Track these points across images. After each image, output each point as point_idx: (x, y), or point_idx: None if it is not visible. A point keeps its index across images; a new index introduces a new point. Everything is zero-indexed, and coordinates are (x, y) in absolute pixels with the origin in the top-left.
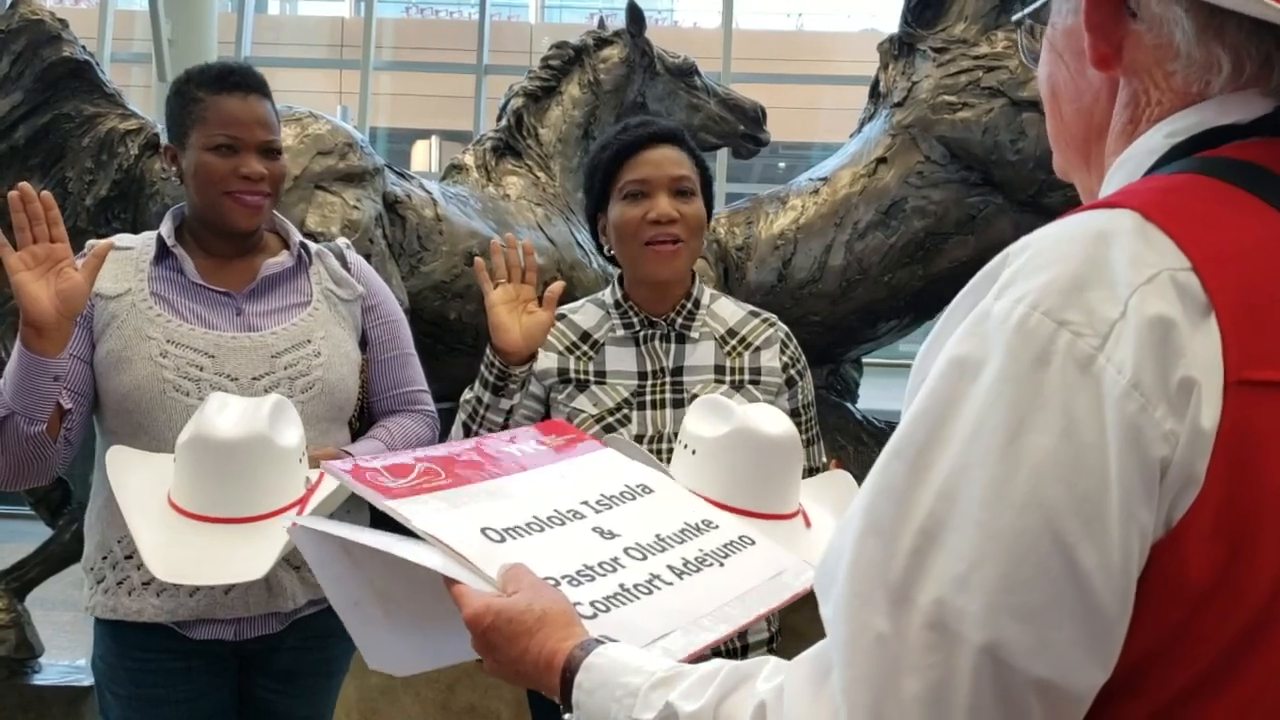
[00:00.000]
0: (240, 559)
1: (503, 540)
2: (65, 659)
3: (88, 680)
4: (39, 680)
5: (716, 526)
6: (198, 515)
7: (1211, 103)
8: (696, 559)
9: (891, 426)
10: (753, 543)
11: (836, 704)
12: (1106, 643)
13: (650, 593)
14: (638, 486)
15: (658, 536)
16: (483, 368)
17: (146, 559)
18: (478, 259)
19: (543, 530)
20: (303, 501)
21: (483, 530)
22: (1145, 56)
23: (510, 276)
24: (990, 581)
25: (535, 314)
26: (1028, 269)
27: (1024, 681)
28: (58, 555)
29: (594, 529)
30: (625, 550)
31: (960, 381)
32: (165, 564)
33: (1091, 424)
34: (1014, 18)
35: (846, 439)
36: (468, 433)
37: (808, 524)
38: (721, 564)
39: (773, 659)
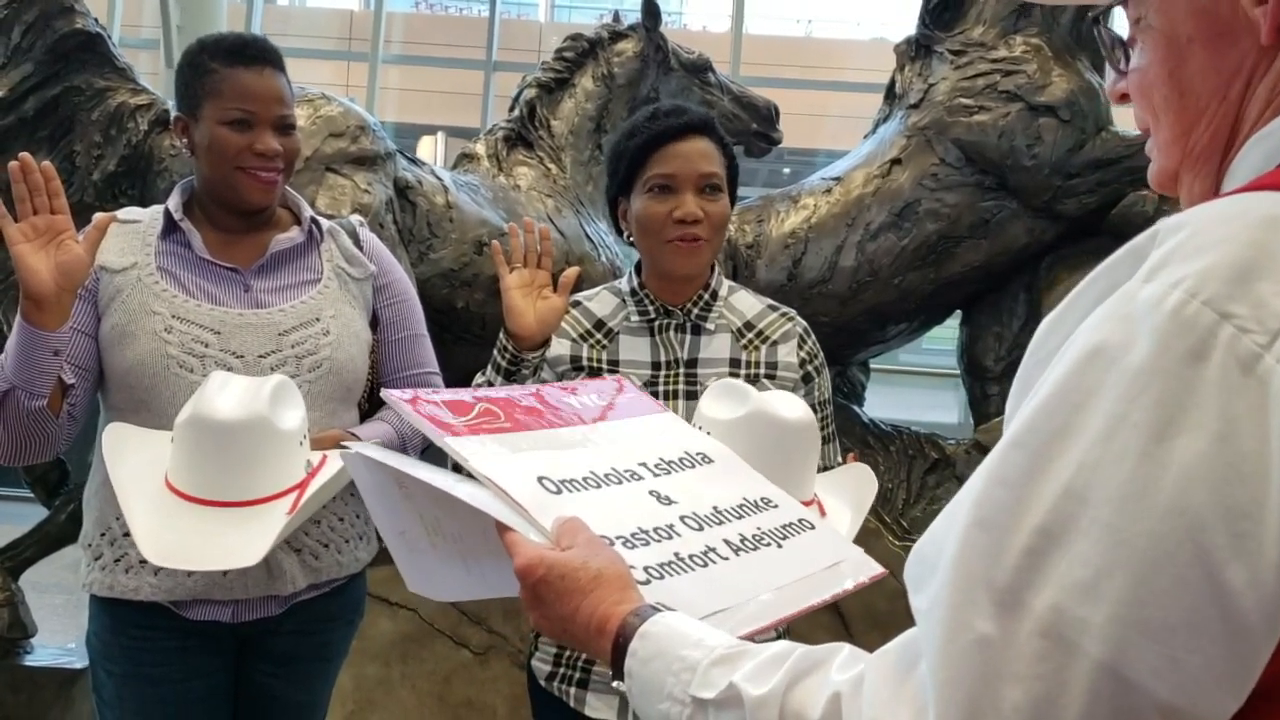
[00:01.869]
0: (234, 544)
1: (559, 492)
2: (58, 642)
3: (80, 662)
4: (30, 661)
5: (776, 506)
6: (193, 497)
7: None
8: (754, 537)
9: (898, 430)
10: (812, 527)
11: (923, 702)
12: (1245, 669)
13: (705, 565)
14: (697, 455)
15: (715, 509)
16: (495, 352)
17: (139, 541)
18: (494, 242)
19: (599, 487)
20: (302, 486)
21: (539, 479)
22: None
23: (526, 261)
24: (1119, 592)
25: (550, 299)
26: (1184, 250)
27: (1146, 704)
28: (53, 535)
29: (651, 492)
30: (681, 518)
31: (1097, 370)
32: (158, 547)
33: (1253, 431)
34: (1093, 13)
35: (852, 441)
36: None
37: (822, 514)
38: (779, 545)
39: (847, 646)
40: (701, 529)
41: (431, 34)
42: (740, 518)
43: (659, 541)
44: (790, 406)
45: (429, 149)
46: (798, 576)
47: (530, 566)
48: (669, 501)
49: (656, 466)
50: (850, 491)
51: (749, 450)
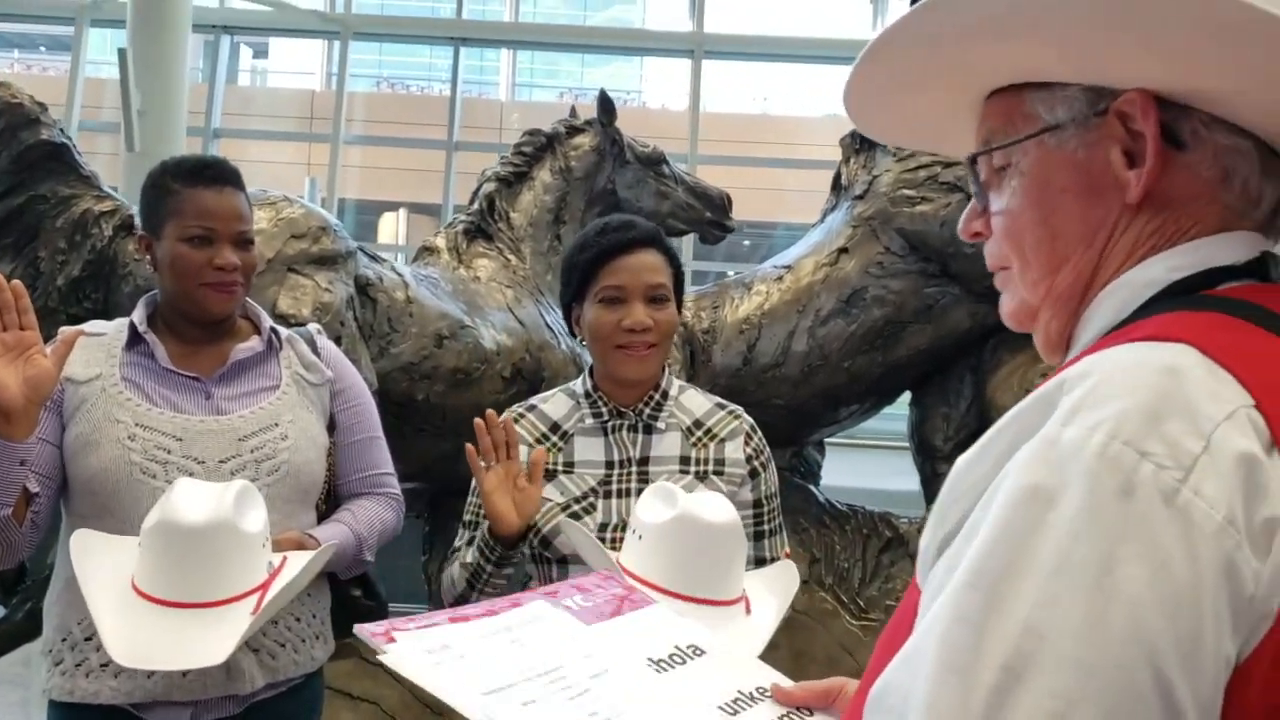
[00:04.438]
0: (200, 644)
1: None
2: None
3: None
4: None
5: (765, 695)
6: (161, 600)
7: (1206, 241)
8: None
9: (853, 509)
10: (809, 714)
11: None
12: None
13: None
14: (688, 649)
15: None
16: (481, 544)
17: (107, 643)
18: (468, 446)
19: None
20: (264, 587)
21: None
22: (1187, 187)
23: (497, 456)
24: None
25: (525, 490)
26: (1096, 397)
27: None
28: (9, 634)
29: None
30: None
31: (1035, 509)
32: (125, 649)
33: (1184, 559)
34: (971, 154)
35: (809, 521)
36: (470, 592)
37: (748, 610)
38: None
39: None
40: None
41: (393, 113)
42: (734, 714)
43: None
44: (716, 510)
45: (391, 226)
46: None
47: None
48: None
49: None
50: (780, 588)
51: (676, 551)
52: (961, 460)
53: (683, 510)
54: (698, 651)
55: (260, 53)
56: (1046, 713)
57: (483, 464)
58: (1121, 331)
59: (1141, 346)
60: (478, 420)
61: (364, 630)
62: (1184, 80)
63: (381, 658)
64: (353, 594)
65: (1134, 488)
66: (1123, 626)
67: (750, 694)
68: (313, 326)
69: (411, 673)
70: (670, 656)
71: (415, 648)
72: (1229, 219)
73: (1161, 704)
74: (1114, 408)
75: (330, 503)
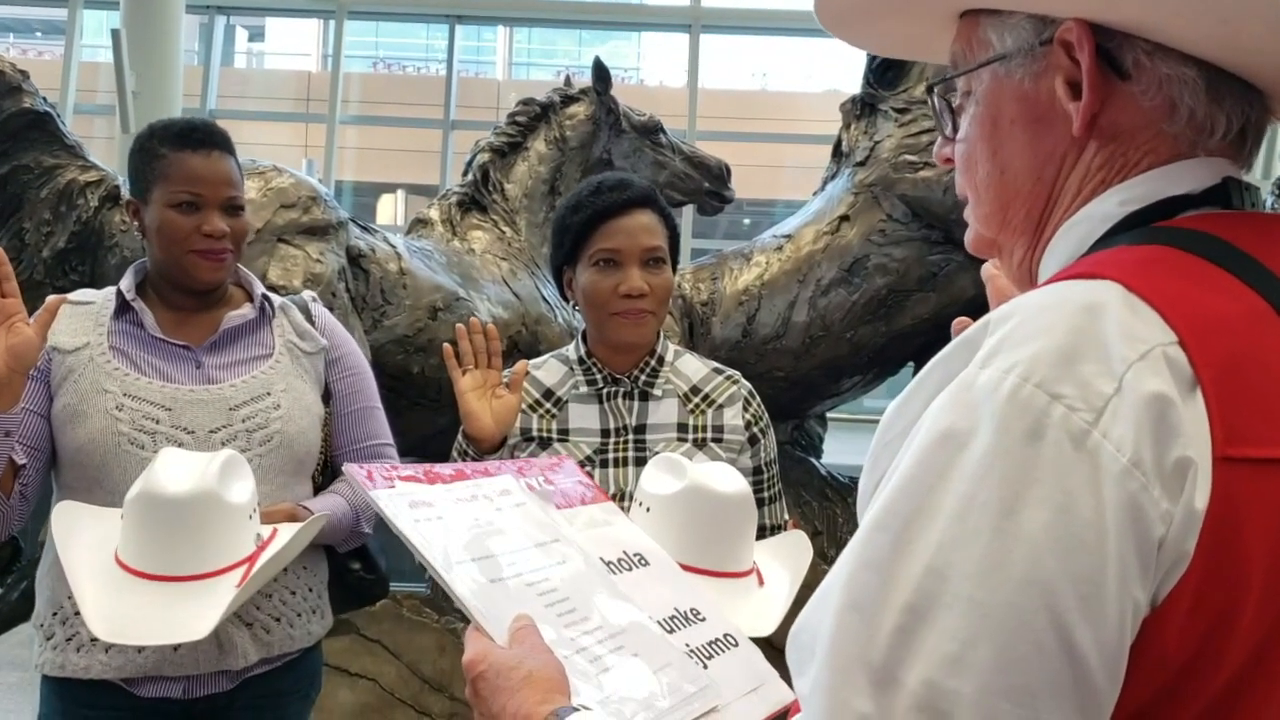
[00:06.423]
0: (183, 618)
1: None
2: None
3: None
4: None
5: (704, 619)
6: (143, 573)
7: (1158, 172)
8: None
9: (855, 482)
10: (736, 644)
11: None
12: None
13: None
14: (634, 555)
15: (651, 620)
16: (455, 454)
17: (88, 618)
18: (446, 346)
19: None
20: (252, 559)
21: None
22: (1134, 118)
23: (477, 362)
24: (985, 661)
25: (504, 398)
26: (1014, 339)
27: None
28: (4, 615)
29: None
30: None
31: (946, 453)
32: (107, 623)
33: (1089, 501)
34: (930, 83)
35: (811, 494)
36: None
37: (760, 582)
38: (705, 666)
39: None
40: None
41: (389, 93)
42: (671, 631)
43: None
44: (726, 480)
45: (389, 207)
46: (721, 705)
47: (473, 662)
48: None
49: (613, 563)
50: (790, 559)
51: (686, 524)
52: (893, 404)
53: (692, 481)
54: (642, 561)
55: (256, 34)
56: (944, 653)
57: (461, 370)
58: (1063, 270)
59: (1066, 285)
60: (459, 325)
61: (358, 471)
62: (1112, 10)
63: (371, 497)
64: (351, 567)
65: (1044, 430)
66: (1020, 568)
67: (685, 614)
68: (308, 294)
69: (391, 518)
70: (619, 560)
71: (401, 500)
72: (1180, 148)
73: (1059, 646)
74: (1029, 349)
75: (327, 475)
